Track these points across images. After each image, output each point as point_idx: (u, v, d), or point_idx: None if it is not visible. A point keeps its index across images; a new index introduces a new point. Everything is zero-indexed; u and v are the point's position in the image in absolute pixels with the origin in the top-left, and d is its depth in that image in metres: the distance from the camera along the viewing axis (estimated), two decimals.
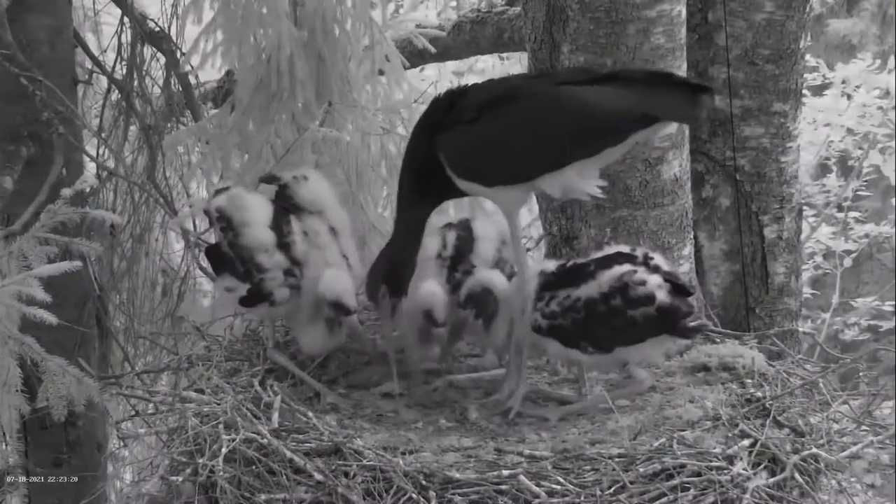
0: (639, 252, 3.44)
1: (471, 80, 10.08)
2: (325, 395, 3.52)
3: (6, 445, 4.66)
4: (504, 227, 3.56)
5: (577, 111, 3.17)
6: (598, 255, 3.49)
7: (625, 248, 3.46)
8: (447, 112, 3.29)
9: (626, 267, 3.36)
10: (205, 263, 5.13)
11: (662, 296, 3.33)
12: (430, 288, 3.53)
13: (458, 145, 3.25)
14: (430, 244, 3.62)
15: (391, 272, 3.39)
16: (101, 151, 5.36)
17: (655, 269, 3.38)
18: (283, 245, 3.61)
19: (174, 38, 5.24)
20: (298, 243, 3.62)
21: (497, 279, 3.52)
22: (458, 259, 3.66)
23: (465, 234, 3.71)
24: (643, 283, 3.33)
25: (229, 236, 3.63)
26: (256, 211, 3.67)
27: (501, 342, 3.53)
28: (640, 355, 3.43)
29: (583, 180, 3.26)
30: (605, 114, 3.16)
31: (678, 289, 3.36)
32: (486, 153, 3.25)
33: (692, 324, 3.40)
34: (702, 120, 3.39)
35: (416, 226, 3.40)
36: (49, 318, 3.38)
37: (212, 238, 4.26)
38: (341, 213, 3.79)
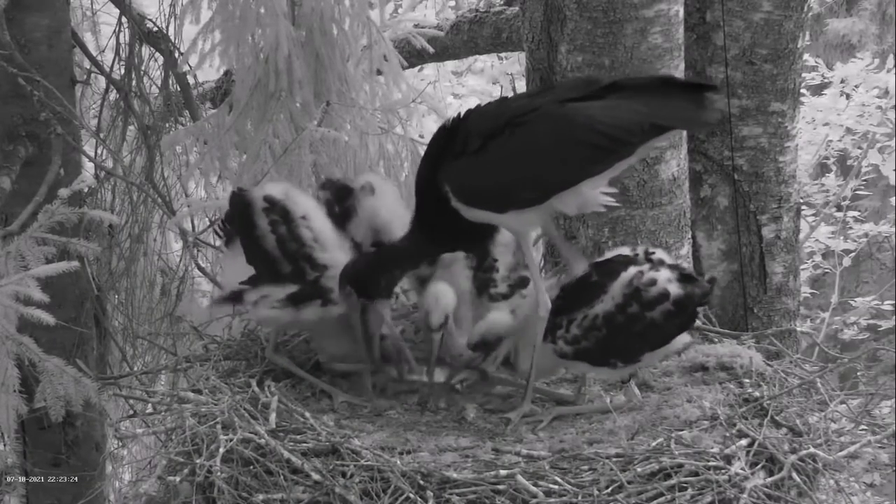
0: (639, 250, 3.43)
1: (470, 79, 10.15)
2: (336, 396, 3.51)
3: (5, 446, 4.67)
4: None
5: (588, 129, 3.14)
6: (597, 260, 3.48)
7: (625, 250, 3.45)
8: (448, 144, 3.26)
9: (633, 271, 3.33)
10: (204, 264, 5.14)
11: (675, 289, 3.30)
12: (437, 289, 3.50)
13: (463, 174, 3.23)
14: None
15: (362, 275, 3.37)
16: (99, 151, 5.37)
17: (660, 264, 3.36)
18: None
19: (172, 37, 5.25)
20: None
21: (507, 322, 3.46)
22: (483, 257, 3.63)
23: None
24: (654, 282, 3.30)
25: (281, 230, 3.48)
26: (314, 206, 3.55)
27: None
28: (665, 354, 3.44)
29: (595, 193, 3.26)
30: (616, 129, 3.13)
31: (686, 277, 3.34)
32: (496, 179, 3.22)
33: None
34: (713, 123, 3.33)
35: (416, 254, 3.39)
36: (47, 318, 3.38)
37: (210, 238, 4.24)
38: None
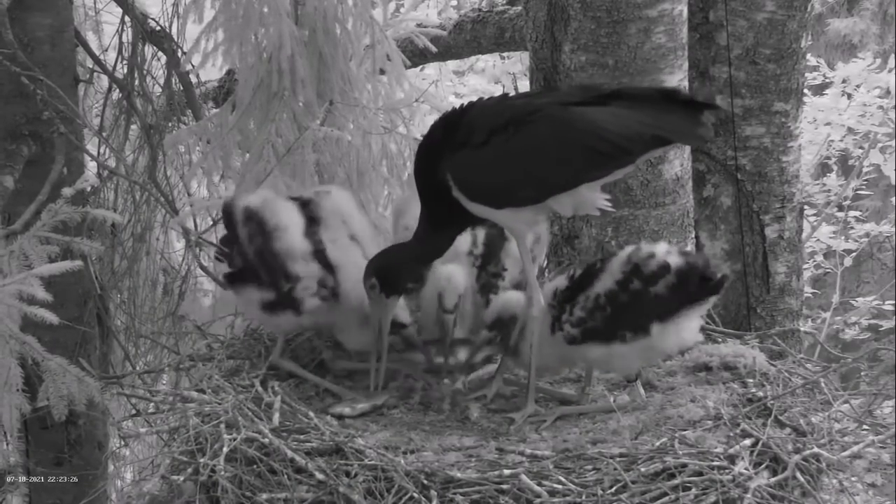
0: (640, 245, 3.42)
1: (471, 79, 10.16)
2: (344, 396, 3.51)
3: (7, 445, 4.68)
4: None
5: (590, 134, 3.17)
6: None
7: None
8: (448, 135, 3.27)
9: (630, 247, 3.33)
10: (206, 263, 5.14)
11: (675, 259, 3.28)
12: (448, 271, 3.49)
13: (467, 167, 3.24)
14: (462, 240, 3.52)
15: (389, 270, 3.37)
16: (102, 150, 5.37)
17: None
18: (318, 253, 3.51)
19: (175, 37, 5.25)
20: (330, 249, 3.53)
21: (522, 301, 3.45)
22: (489, 258, 3.64)
23: (494, 231, 3.64)
24: (652, 255, 3.29)
25: (257, 242, 3.51)
26: (290, 216, 3.55)
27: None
28: (677, 338, 3.36)
29: (593, 196, 3.28)
30: (618, 136, 3.16)
31: (687, 252, 3.34)
32: (497, 175, 3.24)
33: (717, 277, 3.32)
34: (707, 140, 3.38)
35: (436, 247, 3.39)
36: (50, 317, 3.38)
37: (212, 237, 4.24)
38: (362, 221, 3.68)
